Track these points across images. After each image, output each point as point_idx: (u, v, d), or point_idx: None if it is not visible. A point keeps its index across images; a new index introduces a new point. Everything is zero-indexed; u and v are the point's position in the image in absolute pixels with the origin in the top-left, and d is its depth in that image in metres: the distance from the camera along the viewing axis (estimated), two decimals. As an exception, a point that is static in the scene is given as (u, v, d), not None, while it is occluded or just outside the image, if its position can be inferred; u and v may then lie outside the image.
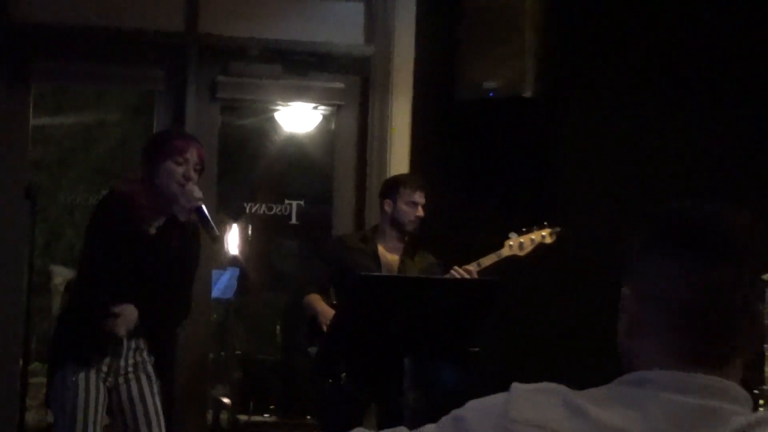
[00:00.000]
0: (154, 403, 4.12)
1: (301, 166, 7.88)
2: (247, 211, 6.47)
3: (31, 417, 6.46)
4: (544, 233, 5.24)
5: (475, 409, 1.44)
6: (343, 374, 4.86)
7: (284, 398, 7.31)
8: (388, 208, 5.20)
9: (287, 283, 8.32)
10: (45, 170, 8.57)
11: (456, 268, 5.00)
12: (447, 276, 4.94)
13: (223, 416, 7.18)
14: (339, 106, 6.28)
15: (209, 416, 6.58)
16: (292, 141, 7.52)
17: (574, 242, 5.42)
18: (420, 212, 5.16)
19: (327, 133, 6.65)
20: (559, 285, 5.87)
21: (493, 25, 5.73)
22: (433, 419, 1.49)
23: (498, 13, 5.73)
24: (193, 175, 4.08)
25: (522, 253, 5.18)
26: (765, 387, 5.23)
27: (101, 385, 3.98)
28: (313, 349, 5.09)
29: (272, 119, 7.23)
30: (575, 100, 6.15)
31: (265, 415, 7.21)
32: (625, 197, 5.85)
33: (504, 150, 6.03)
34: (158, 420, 4.10)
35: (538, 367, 2.84)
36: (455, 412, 1.46)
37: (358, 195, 6.17)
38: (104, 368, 4.02)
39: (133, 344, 4.08)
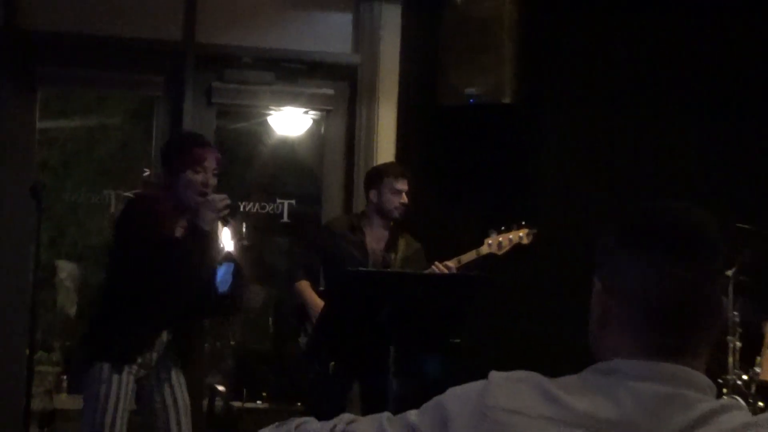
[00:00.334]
0: (184, 400, 4.13)
1: (292, 167, 7.86)
2: (242, 209, 6.45)
3: (35, 403, 6.46)
4: (521, 233, 5.20)
5: (454, 395, 1.45)
6: (332, 363, 4.86)
7: (276, 386, 7.30)
8: (373, 197, 5.17)
9: (278, 278, 8.30)
10: (50, 171, 8.53)
11: (437, 263, 5.00)
12: (428, 271, 4.94)
13: (218, 403, 7.17)
14: (328, 111, 6.27)
15: (205, 403, 6.57)
16: (284, 144, 7.50)
17: (549, 240, 5.42)
18: (404, 199, 5.13)
19: (317, 137, 6.64)
20: (537, 280, 5.89)
21: (474, 35, 5.74)
22: (416, 406, 1.50)
23: (479, 24, 5.73)
24: (212, 181, 4.06)
25: (500, 252, 5.15)
26: (728, 377, 5.26)
27: (131, 378, 3.97)
28: (303, 340, 5.08)
29: (265, 123, 7.21)
30: (551, 106, 6.16)
31: (258, 402, 7.20)
32: (598, 198, 5.87)
33: (484, 153, 6.05)
34: (187, 418, 4.12)
35: (515, 356, 2.84)
36: (436, 398, 1.47)
37: (346, 195, 6.16)
38: (138, 362, 4.01)
39: (164, 337, 4.08)
